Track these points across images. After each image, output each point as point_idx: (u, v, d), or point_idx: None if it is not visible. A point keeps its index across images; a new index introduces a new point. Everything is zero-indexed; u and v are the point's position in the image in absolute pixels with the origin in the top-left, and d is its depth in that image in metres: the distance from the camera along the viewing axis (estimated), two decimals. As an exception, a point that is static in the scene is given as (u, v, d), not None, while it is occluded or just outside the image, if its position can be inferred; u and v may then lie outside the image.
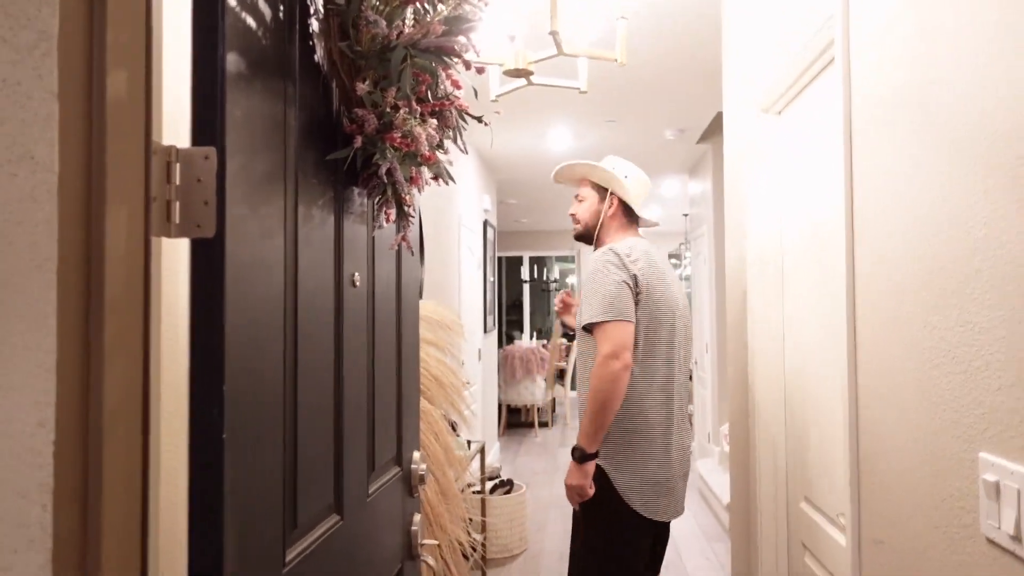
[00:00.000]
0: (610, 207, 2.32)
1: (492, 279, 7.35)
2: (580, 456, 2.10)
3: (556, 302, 2.59)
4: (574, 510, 2.20)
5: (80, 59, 0.64)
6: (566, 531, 4.89)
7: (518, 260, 11.97)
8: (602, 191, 2.34)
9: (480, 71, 1.11)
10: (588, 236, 2.36)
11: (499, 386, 8.24)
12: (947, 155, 1.09)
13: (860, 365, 1.46)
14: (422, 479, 1.57)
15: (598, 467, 2.11)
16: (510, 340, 11.64)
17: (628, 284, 2.11)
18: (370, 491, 1.29)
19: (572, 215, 2.39)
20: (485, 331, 6.67)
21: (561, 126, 5.34)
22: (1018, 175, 0.91)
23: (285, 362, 0.93)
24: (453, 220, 5.15)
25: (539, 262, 12.21)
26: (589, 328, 2.12)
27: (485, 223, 6.76)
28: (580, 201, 2.37)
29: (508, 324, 12.19)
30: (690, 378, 2.46)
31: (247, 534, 0.82)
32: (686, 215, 7.74)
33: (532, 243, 11.86)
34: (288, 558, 0.94)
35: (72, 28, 0.63)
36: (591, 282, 2.15)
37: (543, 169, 6.84)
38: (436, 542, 1.54)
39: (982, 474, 1.00)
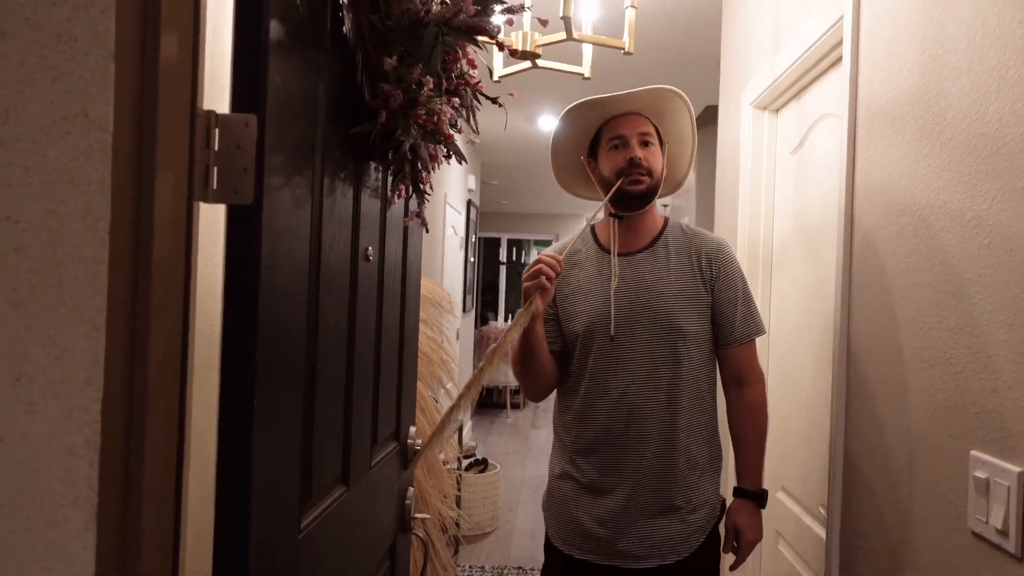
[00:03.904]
0: (664, 168, 1.71)
1: (472, 259, 7.35)
2: (764, 499, 1.69)
3: (543, 269, 1.49)
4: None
5: (135, 20, 0.64)
6: (537, 511, 4.95)
7: (496, 242, 11.96)
8: (661, 144, 1.71)
9: (514, 53, 1.11)
10: (651, 196, 1.67)
11: (474, 366, 8.27)
12: (955, 161, 1.12)
13: (852, 360, 1.50)
14: (416, 454, 1.59)
15: (713, 505, 1.67)
16: (484, 321, 11.67)
17: None
18: (372, 463, 1.30)
19: (637, 159, 1.62)
20: (464, 311, 6.68)
21: (549, 111, 5.34)
22: (1028, 185, 0.95)
23: (308, 333, 0.94)
24: (439, 198, 5.14)
25: (517, 245, 12.22)
26: (741, 340, 1.66)
27: (469, 203, 6.75)
28: (647, 145, 1.66)
29: (483, 305, 12.20)
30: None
31: (269, 499, 0.83)
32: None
33: (511, 225, 11.86)
34: (303, 524, 0.95)
35: (130, -13, 0.62)
36: (736, 276, 1.67)
37: (530, 152, 6.83)
38: (427, 516, 1.56)
39: (972, 471, 1.04)
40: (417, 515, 1.60)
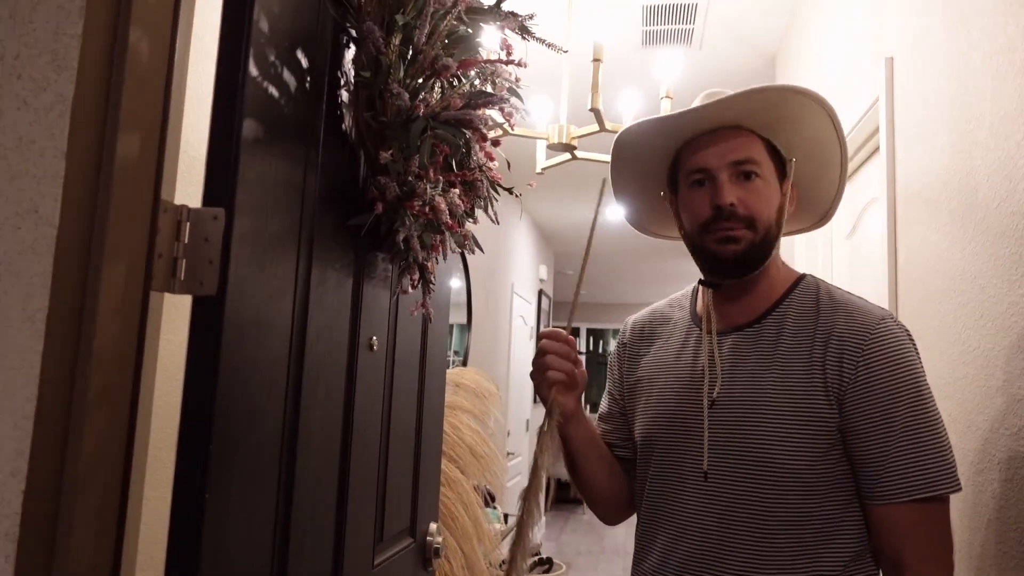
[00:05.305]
0: (791, 202, 1.08)
1: (545, 349, 7.30)
2: None
3: (548, 347, 1.09)
4: None
5: (92, 122, 0.67)
6: (606, 618, 4.65)
7: (575, 332, 11.92)
8: (780, 166, 1.06)
9: (496, 143, 1.12)
10: (755, 259, 1.02)
11: (547, 459, 8.08)
12: (989, 243, 1.03)
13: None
14: (437, 552, 1.53)
15: None
16: (563, 412, 11.50)
17: None
18: (376, 562, 1.25)
19: (727, 206, 1.00)
20: (535, 401, 6.59)
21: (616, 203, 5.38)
22: (1062, 268, 0.85)
23: (285, 424, 0.93)
24: (505, 288, 5.18)
25: (596, 334, 12.13)
26: (893, 497, 0.92)
27: (540, 292, 6.77)
28: (750, 178, 1.02)
29: (562, 396, 12.05)
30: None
31: (225, 600, 0.80)
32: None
33: (589, 315, 11.81)
34: (273, 627, 0.91)
35: (87, 93, 0.66)
36: (899, 385, 0.93)
37: (603, 242, 6.85)
38: (448, 621, 1.48)
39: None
40: (437, 619, 1.52)
